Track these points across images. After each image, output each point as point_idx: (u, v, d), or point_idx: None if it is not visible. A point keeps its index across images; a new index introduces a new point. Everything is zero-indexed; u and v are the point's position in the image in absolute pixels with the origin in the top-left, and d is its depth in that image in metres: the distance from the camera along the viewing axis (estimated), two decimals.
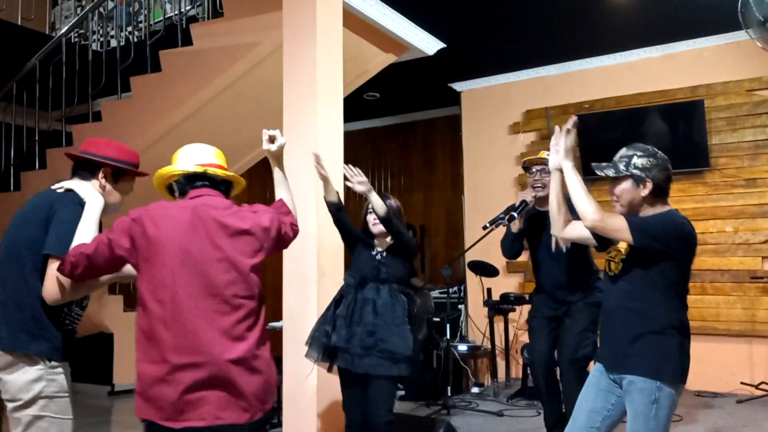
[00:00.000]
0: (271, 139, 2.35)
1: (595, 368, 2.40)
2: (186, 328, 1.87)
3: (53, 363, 2.07)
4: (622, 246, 2.32)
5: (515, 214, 3.41)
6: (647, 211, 2.28)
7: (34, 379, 2.04)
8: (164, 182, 2.18)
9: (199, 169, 2.11)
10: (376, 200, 2.97)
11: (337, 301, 3.05)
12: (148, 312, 1.91)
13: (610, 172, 2.30)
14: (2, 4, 5.54)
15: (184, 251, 1.93)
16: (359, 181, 3.00)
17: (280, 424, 3.72)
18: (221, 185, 2.16)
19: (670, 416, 2.21)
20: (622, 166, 2.28)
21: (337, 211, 3.11)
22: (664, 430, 2.19)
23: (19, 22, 5.75)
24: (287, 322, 3.60)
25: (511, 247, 3.58)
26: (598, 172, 2.34)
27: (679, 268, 2.26)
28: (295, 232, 2.25)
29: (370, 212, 3.09)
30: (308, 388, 3.41)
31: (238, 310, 1.94)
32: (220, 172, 2.15)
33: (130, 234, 1.96)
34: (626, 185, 2.28)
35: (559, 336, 3.43)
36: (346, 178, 3.08)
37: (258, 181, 7.92)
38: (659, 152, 2.33)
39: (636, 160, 2.27)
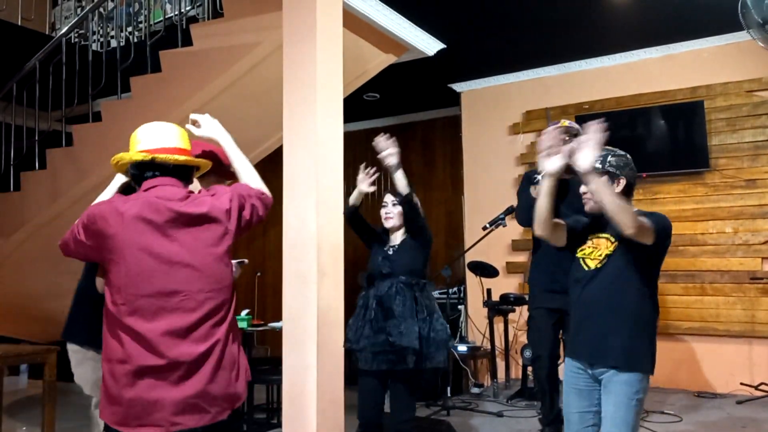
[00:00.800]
0: (193, 123, 2.19)
1: (567, 369, 2.45)
2: (143, 329, 1.78)
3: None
4: (601, 242, 2.38)
5: (539, 177, 3.38)
6: None
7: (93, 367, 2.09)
8: (121, 172, 2.06)
9: (146, 157, 1.91)
10: (400, 179, 3.01)
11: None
12: (108, 313, 1.84)
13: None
14: (2, 4, 5.53)
15: (138, 249, 1.81)
16: (390, 153, 3.01)
17: (279, 425, 3.72)
18: (176, 172, 1.95)
19: (642, 404, 2.35)
20: (597, 164, 2.35)
21: (351, 215, 3.17)
22: (640, 415, 2.32)
23: (19, 23, 5.74)
24: (287, 322, 3.59)
25: (528, 213, 3.51)
26: (576, 168, 2.36)
27: (660, 262, 2.39)
28: (266, 203, 2.06)
29: (384, 206, 3.15)
30: (308, 388, 3.41)
31: (202, 306, 1.84)
32: (170, 158, 1.93)
33: (88, 229, 1.87)
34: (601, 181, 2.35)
35: (566, 329, 3.44)
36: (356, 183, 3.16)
37: None
38: (628, 154, 2.48)
39: (610, 159, 2.41)
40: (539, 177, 3.36)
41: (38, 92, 4.92)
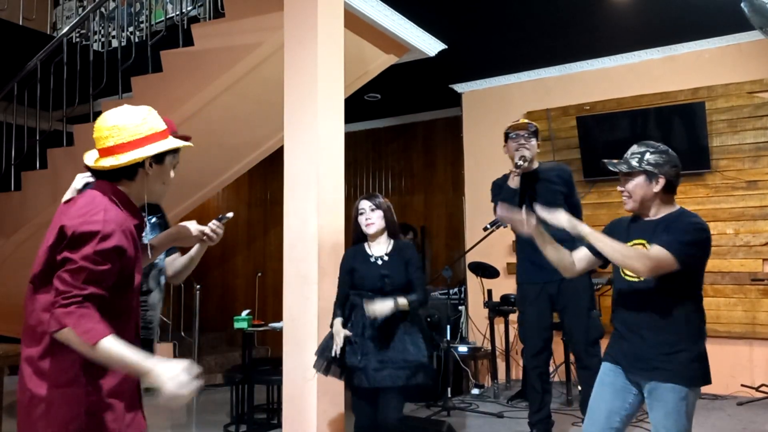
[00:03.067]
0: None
1: (606, 367, 2.38)
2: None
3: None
4: (641, 245, 2.29)
5: (521, 163, 3.51)
6: (658, 208, 2.32)
7: None
8: None
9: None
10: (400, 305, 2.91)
11: (346, 318, 3.02)
12: None
13: (624, 168, 2.31)
14: (3, 4, 5.54)
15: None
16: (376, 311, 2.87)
17: (279, 425, 3.72)
18: (106, 175, 1.76)
19: (694, 410, 2.28)
20: (634, 162, 2.30)
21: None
22: (690, 424, 2.24)
23: (21, 22, 5.75)
24: (287, 322, 3.60)
25: (511, 204, 3.55)
26: (611, 168, 2.34)
27: (702, 271, 2.32)
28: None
29: (362, 213, 3.05)
30: (308, 389, 3.41)
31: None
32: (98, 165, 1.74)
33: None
34: (639, 181, 2.29)
35: (565, 322, 3.45)
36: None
37: (259, 181, 7.93)
38: (669, 149, 2.36)
39: (648, 156, 2.30)
40: (521, 163, 3.45)
41: (39, 92, 4.93)
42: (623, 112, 5.57)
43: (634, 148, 2.35)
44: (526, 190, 3.54)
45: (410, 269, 2.99)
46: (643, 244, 2.27)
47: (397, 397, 2.92)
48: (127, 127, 1.73)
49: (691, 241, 2.23)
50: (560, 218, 2.25)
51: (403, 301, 2.89)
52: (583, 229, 2.24)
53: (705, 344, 2.31)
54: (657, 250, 2.17)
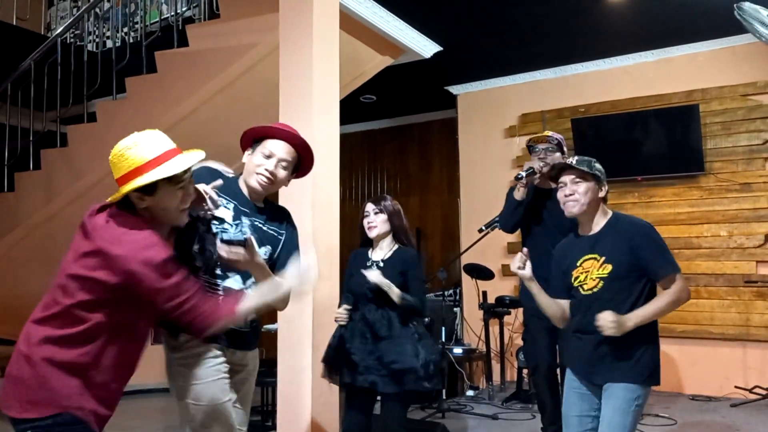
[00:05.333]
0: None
1: (570, 374, 2.46)
2: None
3: (181, 353, 2.06)
4: (588, 263, 2.36)
5: (523, 174, 3.37)
6: (600, 212, 2.42)
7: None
8: None
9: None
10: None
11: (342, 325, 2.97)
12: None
13: (585, 167, 2.38)
14: None
15: None
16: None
17: (274, 427, 3.70)
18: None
19: (642, 411, 2.38)
20: (585, 167, 2.38)
21: None
22: (636, 424, 2.33)
23: (14, 22, 5.72)
24: (282, 324, 3.58)
25: (512, 216, 3.50)
26: (577, 166, 2.39)
27: None
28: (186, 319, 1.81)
29: (366, 215, 3.00)
30: (303, 390, 3.40)
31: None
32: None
33: None
34: (591, 185, 2.38)
35: (561, 340, 3.41)
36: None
37: None
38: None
39: (596, 165, 2.42)
40: (523, 174, 3.39)
41: (33, 92, 4.90)
42: (618, 115, 5.59)
43: (578, 157, 2.44)
44: (538, 206, 3.46)
45: (408, 278, 2.91)
46: (594, 258, 2.35)
47: (400, 404, 2.89)
48: (114, 163, 1.82)
49: (664, 246, 2.38)
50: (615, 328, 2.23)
51: (397, 291, 2.83)
52: (630, 323, 2.23)
53: (659, 344, 2.39)
54: (673, 281, 2.33)
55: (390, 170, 7.61)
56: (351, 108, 6.04)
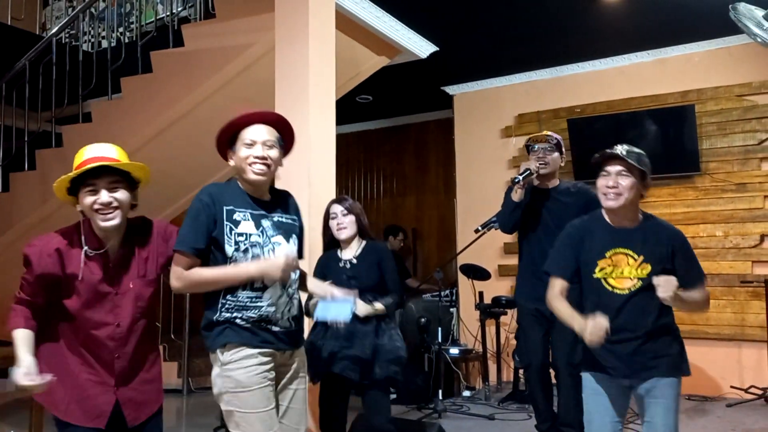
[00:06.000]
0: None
1: (594, 378, 2.36)
2: None
3: (228, 357, 2.09)
4: (621, 259, 2.27)
5: (520, 178, 3.35)
6: (636, 210, 2.33)
7: (216, 375, 2.14)
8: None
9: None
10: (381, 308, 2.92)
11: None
12: None
13: (634, 161, 2.25)
14: None
15: None
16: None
17: None
18: None
19: None
20: (634, 160, 2.26)
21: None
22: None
23: (9, 22, 5.70)
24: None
25: (510, 217, 3.46)
26: (627, 157, 2.25)
27: None
28: None
29: (333, 217, 3.02)
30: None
31: None
32: None
33: None
34: (635, 180, 2.26)
35: (553, 338, 3.41)
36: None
37: None
38: None
39: (645, 159, 2.30)
40: (519, 177, 3.38)
41: (28, 92, 4.89)
42: (614, 115, 5.60)
43: (628, 146, 2.30)
44: (536, 207, 3.45)
45: (384, 271, 2.96)
46: (628, 254, 2.26)
47: (384, 396, 2.92)
48: None
49: (695, 256, 2.38)
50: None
51: (379, 306, 2.89)
52: (681, 296, 2.19)
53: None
54: (704, 291, 2.32)
55: (386, 170, 7.61)
56: (347, 108, 6.03)
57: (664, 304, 2.19)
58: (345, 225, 2.98)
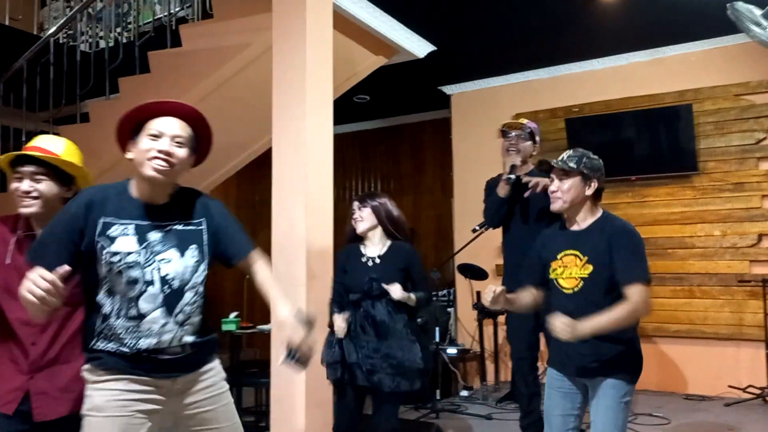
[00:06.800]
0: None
1: (552, 374, 2.48)
2: None
3: (94, 377, 1.83)
4: (569, 259, 2.37)
5: (513, 177, 3.42)
6: (586, 213, 2.41)
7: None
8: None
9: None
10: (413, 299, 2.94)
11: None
12: None
13: (565, 166, 2.38)
14: None
15: None
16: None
17: (268, 428, 3.69)
18: None
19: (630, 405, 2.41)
20: (572, 164, 2.38)
21: None
22: (627, 418, 2.39)
23: (7, 22, 5.69)
24: (275, 325, 3.57)
25: (497, 212, 3.55)
26: (554, 164, 2.42)
27: None
28: None
29: (352, 213, 3.05)
30: (296, 391, 3.39)
31: None
32: None
33: None
34: (575, 182, 2.38)
35: (547, 335, 3.41)
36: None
37: (246, 183, 7.90)
38: (600, 159, 2.47)
39: (586, 161, 2.40)
40: (513, 176, 3.41)
41: (25, 93, 4.88)
42: (611, 114, 5.61)
43: (570, 152, 2.44)
44: (520, 198, 3.50)
45: (414, 276, 2.97)
46: (576, 255, 2.36)
47: (394, 404, 2.91)
48: None
49: (642, 254, 2.34)
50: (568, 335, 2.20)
51: (413, 296, 2.90)
52: (585, 331, 2.21)
53: (638, 339, 2.43)
54: (637, 291, 2.24)
55: (383, 170, 7.61)
56: (344, 108, 6.03)
57: (614, 302, 2.25)
58: (361, 218, 3.00)
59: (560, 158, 2.43)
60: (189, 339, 1.89)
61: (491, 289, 2.37)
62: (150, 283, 1.82)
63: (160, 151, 1.81)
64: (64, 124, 4.97)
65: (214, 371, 2.01)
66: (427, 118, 7.25)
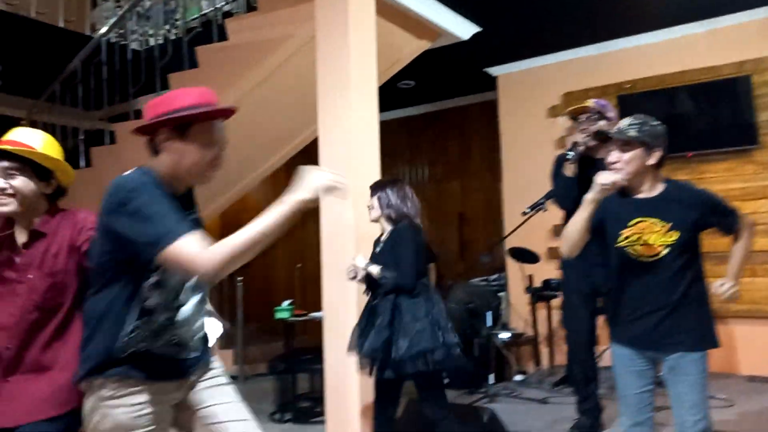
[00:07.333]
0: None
1: (621, 352, 2.39)
2: None
3: (112, 391, 1.70)
4: (646, 226, 2.28)
5: (571, 154, 3.34)
6: (652, 183, 2.33)
7: (90, 409, 1.75)
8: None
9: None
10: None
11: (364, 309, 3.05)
12: None
13: (629, 134, 2.29)
14: (43, 7, 5.68)
15: None
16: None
17: (323, 413, 3.76)
18: None
19: None
20: (633, 132, 2.28)
21: None
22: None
23: (62, 24, 5.88)
24: (327, 312, 3.62)
25: (568, 193, 3.37)
26: (614, 136, 2.32)
27: None
28: None
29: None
30: (350, 376, 3.43)
31: None
32: None
33: None
34: (637, 152, 2.28)
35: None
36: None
37: (294, 173, 7.99)
38: (663, 125, 2.37)
39: (648, 128, 2.30)
40: (572, 153, 3.32)
41: (81, 92, 5.05)
42: (665, 90, 5.42)
43: (631, 119, 2.33)
44: (584, 180, 3.41)
45: (396, 249, 2.90)
46: (655, 222, 2.28)
47: (429, 387, 2.91)
48: None
49: (725, 202, 2.36)
50: None
51: (376, 270, 2.90)
52: (736, 280, 2.34)
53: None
54: (745, 226, 2.36)
55: (430, 156, 7.57)
56: (389, 94, 6.02)
57: (696, 272, 2.27)
58: (370, 206, 3.05)
59: (620, 127, 2.33)
60: (202, 333, 1.92)
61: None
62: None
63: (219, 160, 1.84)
64: (119, 121, 5.13)
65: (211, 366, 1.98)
66: (474, 101, 7.16)
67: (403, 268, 2.86)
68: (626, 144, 2.28)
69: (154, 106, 1.86)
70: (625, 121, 2.34)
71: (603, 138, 2.41)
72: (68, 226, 2.03)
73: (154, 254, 1.61)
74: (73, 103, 5.13)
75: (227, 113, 1.91)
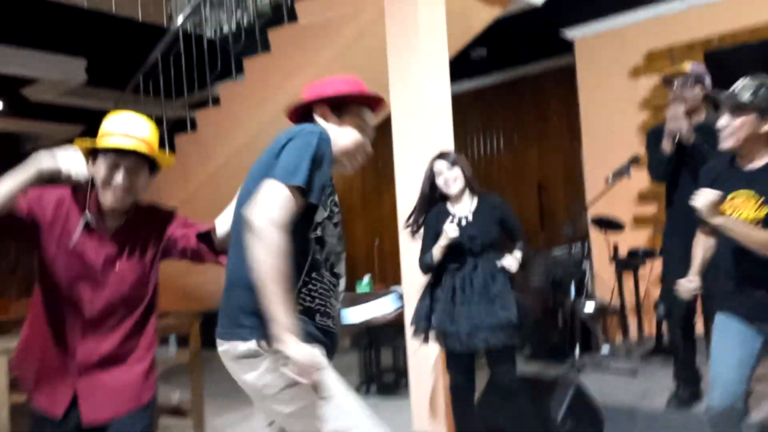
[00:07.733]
0: None
1: (725, 320, 2.26)
2: None
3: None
4: (740, 201, 2.16)
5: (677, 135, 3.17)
6: (762, 152, 2.14)
7: (264, 371, 1.64)
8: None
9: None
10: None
11: (432, 284, 3.01)
12: None
13: (739, 99, 2.11)
14: (123, 2, 5.92)
15: None
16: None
17: (407, 385, 3.81)
18: None
19: None
20: (747, 97, 2.09)
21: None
22: None
23: (140, 19, 6.11)
24: (406, 287, 3.64)
25: (664, 168, 3.30)
26: (725, 100, 2.16)
27: None
28: None
29: (439, 174, 2.98)
30: (432, 351, 3.45)
31: None
32: None
33: None
34: (749, 118, 2.09)
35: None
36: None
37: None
38: None
39: (764, 92, 2.09)
40: (673, 138, 3.15)
41: (162, 82, 5.25)
42: (760, 43, 5.03)
43: (747, 81, 2.13)
44: (681, 158, 3.24)
45: (506, 224, 3.00)
46: (750, 196, 2.13)
47: (505, 359, 2.90)
48: None
49: None
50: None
51: (518, 254, 2.96)
52: (718, 219, 2.10)
53: None
54: None
55: (505, 125, 7.40)
56: (462, 65, 5.91)
57: None
58: (454, 178, 2.95)
59: (732, 90, 2.16)
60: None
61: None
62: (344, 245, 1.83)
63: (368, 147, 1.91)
64: (199, 108, 5.31)
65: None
66: (550, 67, 6.93)
67: (523, 237, 3.03)
68: (738, 108, 2.11)
69: (311, 88, 1.90)
70: (740, 83, 2.16)
71: (714, 103, 2.25)
72: (156, 220, 2.07)
73: (271, 177, 1.63)
74: (155, 92, 5.34)
75: (380, 102, 1.94)
